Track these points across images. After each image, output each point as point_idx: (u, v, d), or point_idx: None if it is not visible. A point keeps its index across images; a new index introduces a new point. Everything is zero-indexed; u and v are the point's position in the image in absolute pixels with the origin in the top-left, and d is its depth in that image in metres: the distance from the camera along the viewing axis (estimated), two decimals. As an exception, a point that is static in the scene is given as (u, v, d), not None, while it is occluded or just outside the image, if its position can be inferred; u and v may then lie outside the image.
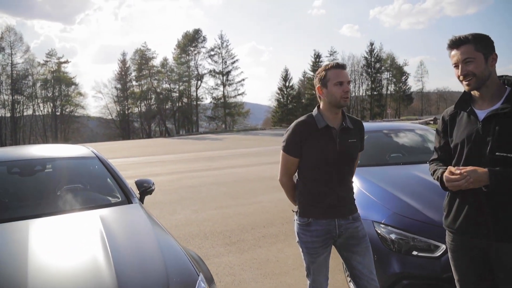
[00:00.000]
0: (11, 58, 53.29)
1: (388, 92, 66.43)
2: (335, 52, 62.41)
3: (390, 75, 66.02)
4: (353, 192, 2.29)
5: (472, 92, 1.86)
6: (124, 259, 2.04)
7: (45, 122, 58.14)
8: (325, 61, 59.04)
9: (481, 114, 1.81)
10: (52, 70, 57.46)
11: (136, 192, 3.27)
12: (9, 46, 53.29)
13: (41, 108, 57.92)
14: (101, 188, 3.33)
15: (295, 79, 66.38)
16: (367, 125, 4.31)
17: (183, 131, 61.25)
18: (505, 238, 1.73)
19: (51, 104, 57.97)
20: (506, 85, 1.82)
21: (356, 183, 3.44)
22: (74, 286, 1.83)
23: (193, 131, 58.72)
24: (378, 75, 64.35)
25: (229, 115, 60.98)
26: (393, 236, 2.79)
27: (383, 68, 64.76)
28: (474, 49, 1.74)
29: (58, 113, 58.60)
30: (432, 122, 32.29)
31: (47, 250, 2.18)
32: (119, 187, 3.15)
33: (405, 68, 66.11)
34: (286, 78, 61.50)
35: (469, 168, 1.71)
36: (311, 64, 61.78)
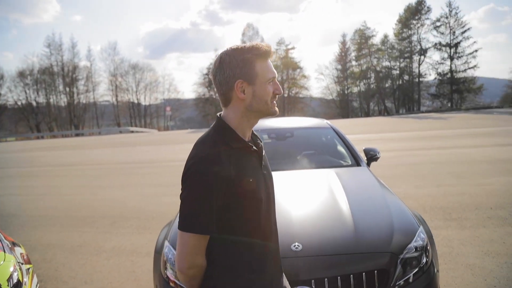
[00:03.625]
0: (250, 50, 64.56)
1: None
2: None
3: None
4: None
5: None
6: (358, 204, 2.54)
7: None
8: None
9: None
10: (281, 56, 65.56)
11: (363, 158, 3.80)
12: (248, 40, 64.37)
13: (273, 91, 67.17)
14: (334, 153, 4.01)
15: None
16: None
17: (403, 110, 58.82)
18: None
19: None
20: None
21: None
22: (322, 220, 2.41)
23: (414, 109, 55.45)
24: None
25: (456, 92, 54.53)
26: None
27: None
28: None
29: (285, 95, 65.82)
30: None
31: (300, 192, 2.94)
32: (349, 152, 3.76)
33: None
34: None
35: None
36: None
